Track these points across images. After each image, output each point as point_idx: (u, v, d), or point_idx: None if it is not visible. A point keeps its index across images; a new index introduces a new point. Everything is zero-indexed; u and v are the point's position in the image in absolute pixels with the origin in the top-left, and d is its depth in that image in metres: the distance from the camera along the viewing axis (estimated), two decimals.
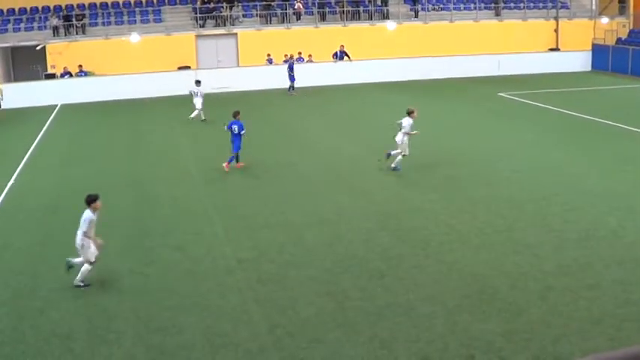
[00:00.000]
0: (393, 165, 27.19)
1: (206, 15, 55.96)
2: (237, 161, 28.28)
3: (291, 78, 49.49)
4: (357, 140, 33.51)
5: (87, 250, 17.08)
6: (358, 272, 17.57)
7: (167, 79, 50.88)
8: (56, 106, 47.61)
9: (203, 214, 22.62)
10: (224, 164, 27.98)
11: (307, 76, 50.72)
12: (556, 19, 61.43)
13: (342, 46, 54.53)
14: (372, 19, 58.37)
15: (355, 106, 44.01)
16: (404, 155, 27.07)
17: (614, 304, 15.46)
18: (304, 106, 44.28)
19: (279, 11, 57.30)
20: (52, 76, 52.29)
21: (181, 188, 25.81)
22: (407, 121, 26.84)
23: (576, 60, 59.15)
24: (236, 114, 28.27)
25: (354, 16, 58.14)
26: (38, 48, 52.78)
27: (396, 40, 56.95)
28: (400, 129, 26.85)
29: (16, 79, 46.91)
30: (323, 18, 57.98)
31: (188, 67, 53.44)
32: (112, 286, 17.21)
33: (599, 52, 59.40)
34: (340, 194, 24.30)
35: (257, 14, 57.20)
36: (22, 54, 54.78)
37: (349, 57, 54.60)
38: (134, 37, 53.03)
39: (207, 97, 42.34)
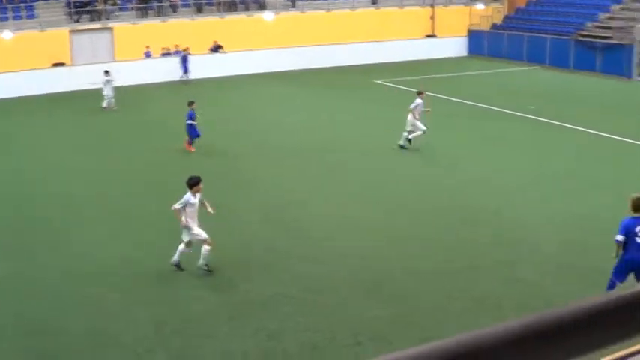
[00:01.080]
0: (401, 143, 28.11)
1: (81, 10, 54.84)
2: (189, 144, 29.57)
3: (185, 69, 49.77)
4: (237, 134, 33.25)
5: (190, 230, 16.88)
6: (244, 265, 17.48)
7: (41, 76, 49.62)
8: None
9: (87, 213, 22.12)
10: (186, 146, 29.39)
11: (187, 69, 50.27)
12: (432, 6, 62.32)
13: (216, 41, 54.26)
14: (248, 10, 58.11)
15: (235, 98, 43.69)
16: (424, 132, 27.54)
17: (495, 284, 15.84)
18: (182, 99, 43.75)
19: (155, 4, 56.54)
20: None
21: (58, 187, 25.17)
22: (416, 102, 27.63)
23: (453, 46, 60.19)
24: (190, 103, 29.41)
25: (231, 8, 57.77)
26: None
27: (274, 30, 56.79)
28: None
29: None
30: (199, 10, 57.46)
31: (63, 64, 52.25)
32: None
33: (475, 37, 60.64)
34: (223, 188, 24.09)
35: (133, 8, 56.31)
36: None
37: (223, 49, 54.38)
38: (6, 35, 51.57)
39: (83, 94, 41.76)
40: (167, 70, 50.19)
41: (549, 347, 1.73)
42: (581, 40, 50.68)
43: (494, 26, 61.11)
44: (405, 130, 27.21)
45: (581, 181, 23.49)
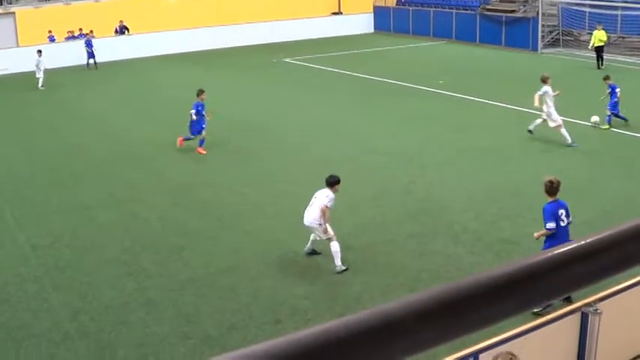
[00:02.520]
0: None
1: None
2: (185, 139, 26.04)
3: (91, 54, 48.69)
4: (148, 117, 32.93)
5: (321, 229, 15.81)
6: (156, 249, 17.42)
7: None
8: None
9: None
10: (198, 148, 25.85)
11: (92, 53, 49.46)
12: None
13: (122, 21, 53.62)
14: None
15: (139, 81, 43.22)
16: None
17: (410, 257, 16.09)
18: (90, 84, 43.15)
19: None
20: None
21: None
22: (543, 89, 24.94)
23: (359, 22, 60.44)
24: (200, 92, 25.79)
25: None
26: None
27: (179, 11, 56.25)
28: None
29: None
30: None
31: None
32: None
33: (380, 13, 61.00)
34: (133, 173, 23.91)
35: None
36: None
37: (129, 30, 53.75)
38: None
39: None
40: (73, 54, 49.35)
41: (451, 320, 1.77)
42: (486, 14, 51.39)
43: (399, 2, 61.52)
44: (541, 118, 25.82)
45: (495, 154, 23.85)
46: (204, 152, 25.45)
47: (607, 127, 26.28)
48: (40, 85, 41.53)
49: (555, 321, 9.43)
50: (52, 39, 52.24)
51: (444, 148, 24.78)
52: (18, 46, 52.67)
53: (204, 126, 25.46)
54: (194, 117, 25.29)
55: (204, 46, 53.80)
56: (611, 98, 26.37)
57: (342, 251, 15.72)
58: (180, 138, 25.90)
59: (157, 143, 27.46)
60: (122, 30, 53.88)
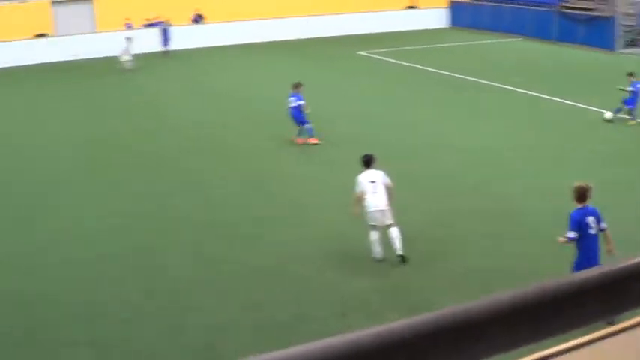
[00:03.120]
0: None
1: None
2: (299, 135, 25.70)
3: (166, 42, 49.58)
4: (217, 104, 33.21)
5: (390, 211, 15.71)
6: (229, 236, 17.63)
7: (23, 47, 49.35)
8: None
9: (70, 184, 22.14)
10: (297, 139, 25.75)
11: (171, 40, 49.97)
12: None
13: (198, 9, 54.09)
14: None
15: (211, 70, 43.51)
16: None
17: (482, 256, 15.97)
18: (165, 71, 43.67)
19: None
20: None
21: (46, 158, 25.14)
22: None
23: (434, 17, 59.92)
24: (297, 85, 25.89)
25: None
26: None
27: (253, 2, 56.46)
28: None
29: None
30: None
31: (45, 35, 51.96)
32: None
33: (457, 8, 60.43)
34: (206, 160, 24.18)
35: None
36: None
37: (204, 19, 54.23)
38: None
39: (65, 65, 42.04)
40: (149, 41, 49.86)
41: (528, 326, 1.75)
42: (564, 12, 50.63)
43: None
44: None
45: (570, 154, 23.52)
46: (317, 142, 25.36)
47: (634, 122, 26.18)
48: (129, 66, 43.61)
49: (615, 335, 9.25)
50: (129, 26, 52.87)
51: (519, 146, 24.50)
52: (96, 31, 53.43)
53: (303, 117, 25.34)
54: (292, 104, 25.33)
55: (280, 36, 53.89)
56: (631, 94, 26.00)
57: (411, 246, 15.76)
58: (298, 139, 25.60)
59: (229, 131, 27.72)
60: (198, 19, 54.33)
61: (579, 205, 12.78)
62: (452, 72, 38.50)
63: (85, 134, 28.03)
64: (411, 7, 61.42)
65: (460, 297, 13.68)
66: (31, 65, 46.77)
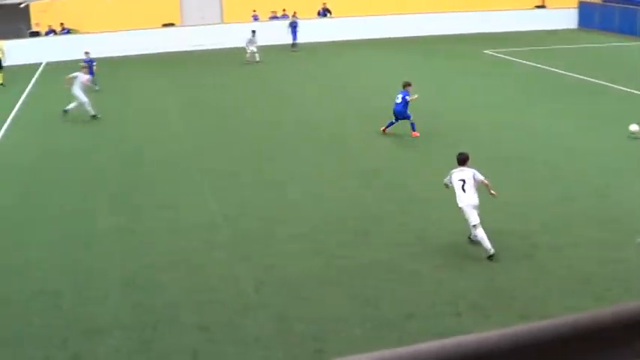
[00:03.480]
0: None
1: None
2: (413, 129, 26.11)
3: (294, 35, 50.17)
4: (342, 99, 33.32)
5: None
6: (343, 230, 17.61)
7: (151, 36, 50.56)
8: (41, 64, 47.23)
9: (187, 172, 22.55)
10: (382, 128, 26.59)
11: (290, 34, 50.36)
12: None
13: (325, 3, 54.34)
14: None
15: (342, 64, 43.78)
16: None
17: (598, 264, 15.54)
18: (290, 63, 44.09)
19: None
20: (36, 34, 51.88)
21: (166, 146, 25.70)
22: None
23: (563, 17, 58.81)
24: (406, 85, 26.30)
25: None
26: (22, 6, 52.25)
27: None
28: None
29: (0, 38, 46.28)
30: None
31: (172, 24, 53.08)
32: (98, 245, 17.21)
33: (585, 9, 59.14)
34: (324, 153, 24.26)
35: None
36: (6, 12, 54.20)
37: (331, 13, 54.46)
38: None
39: (192, 55, 42.80)
40: (275, 34, 50.36)
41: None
42: None
43: None
44: None
45: None
46: (418, 134, 25.82)
47: None
48: (257, 59, 44.66)
49: None
50: (255, 18, 53.50)
51: None
52: (222, 22, 54.28)
53: (409, 113, 25.81)
54: (398, 101, 25.73)
55: (405, 33, 53.76)
56: None
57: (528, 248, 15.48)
58: (383, 128, 26.36)
59: (349, 125, 27.80)
60: (324, 12, 54.59)
61: None
62: (579, 74, 37.61)
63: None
64: (540, 7, 60.43)
65: (574, 304, 13.40)
66: (158, 54, 47.82)
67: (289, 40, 49.94)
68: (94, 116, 29.40)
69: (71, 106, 29.36)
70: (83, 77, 29.34)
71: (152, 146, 25.85)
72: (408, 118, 26.03)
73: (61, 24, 51.02)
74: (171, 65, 44.58)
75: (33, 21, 52.86)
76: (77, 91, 29.05)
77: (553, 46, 48.92)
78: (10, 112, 32.29)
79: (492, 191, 16.19)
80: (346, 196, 19.97)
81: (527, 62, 42.35)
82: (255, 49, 45.19)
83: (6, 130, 29.03)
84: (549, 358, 1.66)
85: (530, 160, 22.73)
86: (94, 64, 35.66)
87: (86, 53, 36.63)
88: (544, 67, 40.41)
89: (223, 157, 24.10)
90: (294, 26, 50.27)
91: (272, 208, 19.19)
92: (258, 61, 44.52)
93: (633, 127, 25.04)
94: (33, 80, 41.55)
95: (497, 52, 46.36)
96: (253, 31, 45.86)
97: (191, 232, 17.75)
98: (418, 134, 25.82)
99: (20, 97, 35.96)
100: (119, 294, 14.67)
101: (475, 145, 24.28)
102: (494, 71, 40.35)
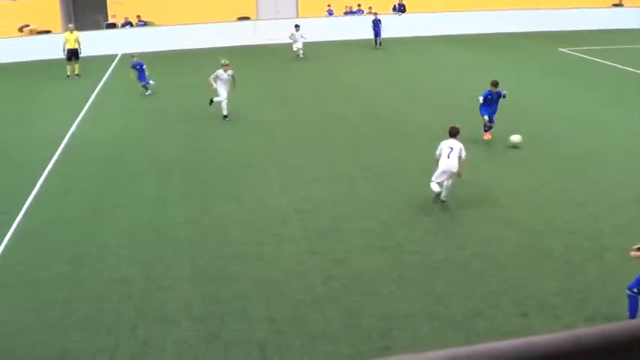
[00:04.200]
0: None
1: None
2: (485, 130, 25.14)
3: (378, 32, 48.83)
4: (413, 95, 33.23)
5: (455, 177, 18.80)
6: (413, 226, 17.59)
7: (227, 29, 50.95)
8: (117, 55, 47.93)
9: (257, 165, 22.72)
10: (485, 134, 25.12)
11: (365, 29, 50.17)
12: None
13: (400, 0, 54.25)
14: None
15: (411, 60, 43.67)
16: None
17: None
18: (361, 59, 44.08)
19: None
20: (112, 26, 52.68)
21: (235, 139, 25.91)
22: None
23: None
24: (496, 84, 24.79)
25: None
26: None
27: None
28: None
29: (77, 29, 47.19)
30: None
31: (247, 18, 53.44)
32: (168, 235, 17.45)
33: None
34: (396, 148, 24.21)
35: None
36: (83, 4, 55.15)
37: (406, 10, 54.25)
38: None
39: (267, 49, 43.11)
40: (349, 29, 50.39)
41: None
42: None
43: None
44: None
45: None
46: (488, 138, 24.94)
47: None
48: (300, 54, 44.22)
49: None
50: (330, 13, 53.62)
51: None
52: (298, 16, 54.46)
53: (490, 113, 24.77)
54: (481, 100, 24.71)
55: (480, 29, 53.38)
56: None
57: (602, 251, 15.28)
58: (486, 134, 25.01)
59: (420, 122, 27.71)
60: (400, 8, 54.41)
61: None
62: None
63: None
64: (617, 5, 59.46)
65: None
66: (233, 47, 48.15)
67: (368, 35, 49.43)
68: (225, 116, 28.95)
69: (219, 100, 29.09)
70: (223, 74, 28.79)
71: (218, 137, 26.17)
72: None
73: (138, 16, 51.74)
74: (245, 58, 44.87)
75: (110, 13, 53.67)
76: (220, 87, 28.65)
77: (630, 46, 48.05)
78: (86, 103, 32.84)
79: (461, 173, 18.80)
80: (417, 192, 19.87)
81: (604, 61, 41.69)
82: (300, 46, 44.50)
83: (81, 120, 29.52)
84: None
85: (603, 160, 22.41)
86: (144, 66, 34.76)
87: (133, 57, 35.86)
88: (621, 66, 39.74)
89: (292, 151, 24.18)
90: (376, 23, 48.99)
91: (342, 204, 19.22)
92: (302, 56, 44.10)
93: (515, 138, 24.21)
94: (108, 72, 42.18)
95: (572, 51, 45.74)
96: (297, 26, 45.12)
97: (259, 225, 17.88)
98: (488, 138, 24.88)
99: (95, 88, 36.55)
100: (189, 284, 14.85)
101: (546, 142, 24.12)
102: (569, 70, 39.80)
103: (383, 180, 21.09)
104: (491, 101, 24.66)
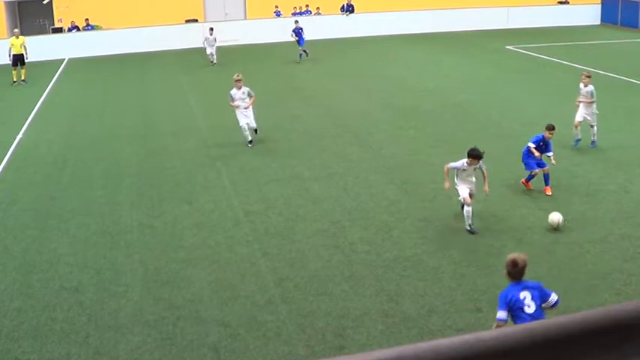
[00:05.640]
0: None
1: None
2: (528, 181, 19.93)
3: (301, 41, 44.34)
4: (367, 94, 33.33)
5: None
6: (365, 225, 17.62)
7: (174, 32, 50.72)
8: (64, 60, 47.51)
9: (211, 168, 22.63)
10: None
11: (315, 30, 50.13)
12: None
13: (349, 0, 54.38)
14: None
15: (363, 59, 43.77)
16: None
17: (621, 259, 15.50)
18: (312, 60, 44.06)
19: None
20: (59, 30, 52.17)
21: (189, 142, 25.78)
22: None
23: (585, 13, 58.53)
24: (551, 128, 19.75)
25: None
26: (45, 2, 52.52)
27: None
28: None
29: (23, 34, 46.61)
30: None
31: (195, 20, 53.23)
32: (120, 239, 17.30)
33: (608, 5, 58.71)
34: (349, 148, 24.26)
35: None
36: (29, 8, 54.55)
37: (354, 9, 54.41)
38: None
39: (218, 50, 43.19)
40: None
41: None
42: None
43: None
44: None
45: None
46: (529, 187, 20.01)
47: None
48: (213, 60, 42.88)
49: None
50: (277, 14, 53.60)
51: None
52: (246, 18, 54.39)
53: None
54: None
55: (425, 29, 53.75)
56: None
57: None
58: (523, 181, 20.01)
59: (374, 120, 27.79)
60: (349, 8, 54.45)
61: (511, 281, 10.82)
62: (603, 71, 37.33)
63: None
64: (563, 3, 60.16)
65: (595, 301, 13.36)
66: (180, 50, 47.97)
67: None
68: (249, 142, 24.92)
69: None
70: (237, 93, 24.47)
71: (171, 140, 26.01)
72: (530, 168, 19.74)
73: (86, 20, 51.31)
74: (191, 61, 44.70)
75: (56, 17, 53.15)
76: (238, 111, 24.52)
77: (576, 42, 48.64)
78: (33, 109, 32.47)
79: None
80: (370, 192, 19.93)
81: (550, 58, 42.18)
82: (213, 51, 43.13)
83: (28, 127, 29.18)
84: (566, 355, 1.65)
85: (553, 156, 22.62)
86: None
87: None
88: (566, 62, 40.21)
89: (244, 152, 24.09)
90: (298, 32, 44.72)
91: (294, 204, 19.20)
92: (213, 63, 42.70)
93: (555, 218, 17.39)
94: (56, 76, 41.76)
95: (519, 48, 46.20)
96: (211, 29, 43.89)
97: (212, 227, 17.82)
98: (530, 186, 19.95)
99: (43, 94, 36.15)
100: (141, 289, 14.74)
101: (500, 139, 24.30)
102: (515, 66, 40.20)
103: (335, 179, 21.09)
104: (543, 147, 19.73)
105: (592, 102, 24.03)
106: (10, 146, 25.94)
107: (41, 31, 52.46)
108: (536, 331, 1.65)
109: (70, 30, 51.62)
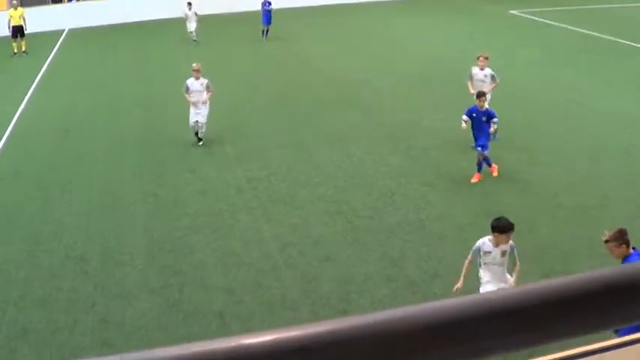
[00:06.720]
0: None
1: None
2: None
3: (267, 19, 40.39)
4: (368, 61, 33.17)
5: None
6: (368, 191, 17.65)
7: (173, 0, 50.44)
8: (64, 30, 47.31)
9: (213, 135, 22.56)
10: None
11: None
12: None
13: None
14: None
15: (364, 27, 43.51)
16: None
17: (623, 222, 15.46)
18: (307, 26, 43.86)
19: None
20: (59, 1, 51.93)
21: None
22: None
23: None
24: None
25: None
26: None
27: None
28: None
29: (23, 5, 46.33)
30: None
31: None
32: (123, 208, 17.34)
33: None
34: (351, 114, 24.21)
35: None
36: None
37: None
38: None
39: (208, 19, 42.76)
40: None
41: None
42: None
43: None
44: None
45: None
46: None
47: None
48: (193, 36, 39.69)
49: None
50: None
51: None
52: None
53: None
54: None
55: None
56: None
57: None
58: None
59: (374, 88, 27.72)
60: None
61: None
62: (607, 35, 37.10)
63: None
64: None
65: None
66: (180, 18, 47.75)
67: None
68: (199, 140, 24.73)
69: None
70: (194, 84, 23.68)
71: (172, 109, 25.92)
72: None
73: None
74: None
75: None
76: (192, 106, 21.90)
77: (580, 6, 48.18)
78: (34, 80, 32.38)
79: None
80: (373, 158, 19.94)
81: (553, 22, 41.93)
82: (192, 29, 39.69)
83: (30, 98, 29.11)
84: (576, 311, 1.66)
85: (556, 119, 22.63)
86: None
87: None
88: (570, 27, 39.97)
89: (248, 120, 24.06)
90: (265, 6, 40.87)
91: (297, 170, 19.21)
92: (195, 40, 39.21)
93: None
94: (56, 47, 41.60)
95: (522, 13, 45.88)
96: (189, 4, 40.25)
97: (215, 195, 17.85)
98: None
99: (43, 65, 36.03)
100: (146, 257, 14.80)
101: (500, 103, 24.12)
102: (519, 31, 39.98)
103: (338, 145, 21.08)
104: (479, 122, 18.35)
105: (492, 87, 20.95)
106: (12, 118, 25.90)
107: (42, 1, 52.18)
108: (543, 290, 1.66)
109: (69, 0, 51.37)
